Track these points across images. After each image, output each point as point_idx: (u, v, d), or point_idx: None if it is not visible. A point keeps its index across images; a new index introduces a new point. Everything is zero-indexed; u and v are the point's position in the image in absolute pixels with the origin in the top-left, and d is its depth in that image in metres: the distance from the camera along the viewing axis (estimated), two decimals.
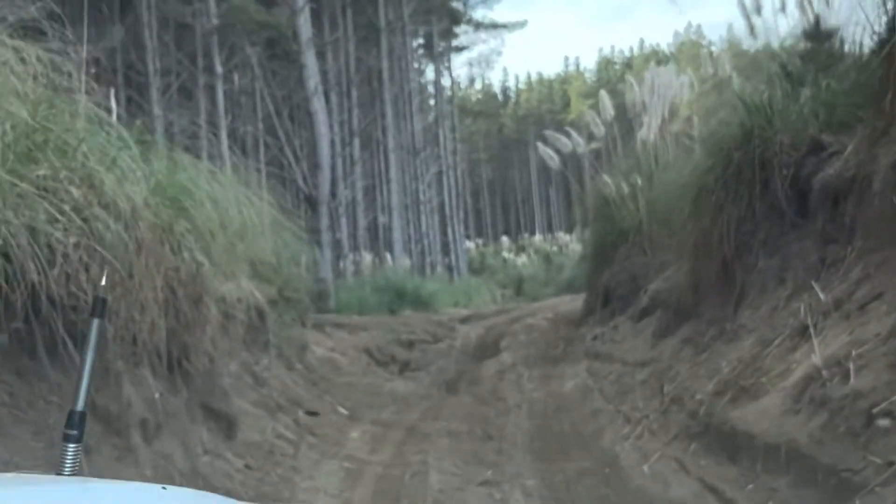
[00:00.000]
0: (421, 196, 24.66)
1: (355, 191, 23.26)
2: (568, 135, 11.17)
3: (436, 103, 30.47)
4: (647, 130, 8.88)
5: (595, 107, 10.41)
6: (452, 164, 30.74)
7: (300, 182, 16.24)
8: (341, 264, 20.86)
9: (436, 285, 18.13)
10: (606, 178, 9.42)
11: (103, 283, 1.50)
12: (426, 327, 14.27)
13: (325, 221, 16.28)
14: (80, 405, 1.07)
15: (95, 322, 1.11)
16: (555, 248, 45.14)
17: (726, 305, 5.58)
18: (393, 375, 9.06)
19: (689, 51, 73.32)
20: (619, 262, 8.79)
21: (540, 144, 11.37)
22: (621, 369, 6.99)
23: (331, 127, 21.58)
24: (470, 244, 50.60)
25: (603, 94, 11.23)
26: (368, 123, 23.89)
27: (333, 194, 20.06)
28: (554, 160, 10.74)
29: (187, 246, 4.48)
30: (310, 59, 16.13)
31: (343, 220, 22.68)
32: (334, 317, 14.98)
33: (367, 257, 20.98)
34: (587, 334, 8.91)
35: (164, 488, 1.04)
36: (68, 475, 1.05)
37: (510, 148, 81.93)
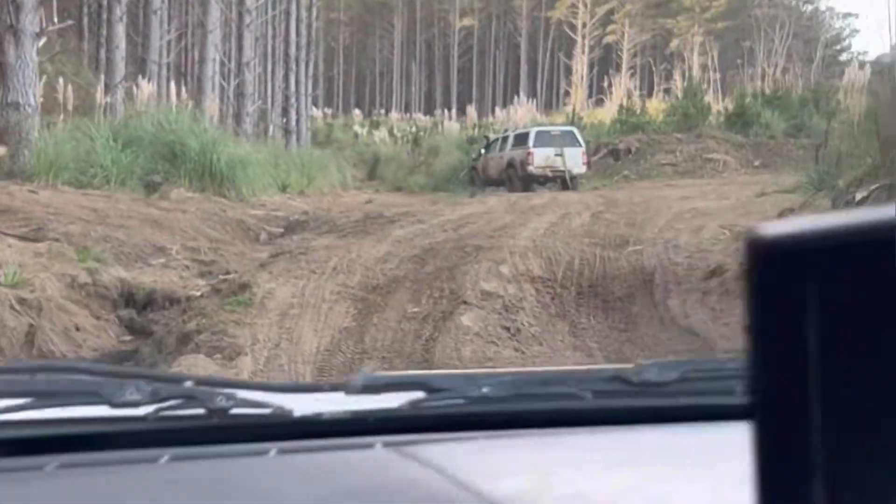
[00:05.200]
0: (247, 1, 15.71)
1: None
2: None
3: None
4: None
5: None
6: None
7: None
8: (99, 97, 12.48)
9: (249, 149, 10.19)
10: None
11: None
12: (209, 238, 6.44)
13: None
14: None
15: None
16: (415, 129, 37.97)
17: None
18: None
19: None
20: None
21: None
22: None
23: None
24: (317, 112, 43.01)
25: None
26: None
27: None
28: None
29: None
30: None
31: (118, 28, 14.12)
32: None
33: (148, 89, 12.64)
34: None
35: None
36: None
37: (373, 12, 72.62)
